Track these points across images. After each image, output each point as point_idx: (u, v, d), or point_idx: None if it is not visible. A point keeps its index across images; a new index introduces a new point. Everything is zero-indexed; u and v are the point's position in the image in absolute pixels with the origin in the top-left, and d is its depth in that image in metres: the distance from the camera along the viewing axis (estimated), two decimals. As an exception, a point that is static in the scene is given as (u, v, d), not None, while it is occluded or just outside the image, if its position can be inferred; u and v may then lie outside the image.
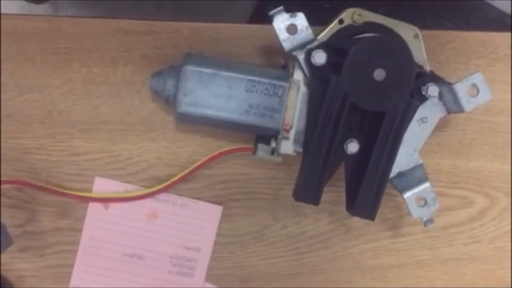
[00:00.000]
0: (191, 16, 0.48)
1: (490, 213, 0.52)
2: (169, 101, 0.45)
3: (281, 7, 0.42)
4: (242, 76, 0.44)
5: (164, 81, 0.44)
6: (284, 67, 0.47)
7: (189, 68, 0.44)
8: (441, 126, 0.49)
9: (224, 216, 0.50)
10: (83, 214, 0.48)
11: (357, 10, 0.44)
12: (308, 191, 0.43)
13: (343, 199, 0.44)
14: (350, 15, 0.44)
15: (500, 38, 0.51)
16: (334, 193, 0.49)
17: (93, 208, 0.48)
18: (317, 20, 0.44)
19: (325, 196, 0.47)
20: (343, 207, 0.44)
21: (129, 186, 0.48)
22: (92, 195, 0.48)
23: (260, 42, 0.49)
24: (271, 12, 0.42)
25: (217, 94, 0.44)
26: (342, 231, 0.51)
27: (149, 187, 0.48)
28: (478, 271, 0.53)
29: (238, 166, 0.49)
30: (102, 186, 0.48)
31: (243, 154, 0.48)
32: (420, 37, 0.44)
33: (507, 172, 0.52)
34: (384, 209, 0.51)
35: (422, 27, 0.45)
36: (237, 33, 0.49)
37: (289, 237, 0.51)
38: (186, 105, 0.44)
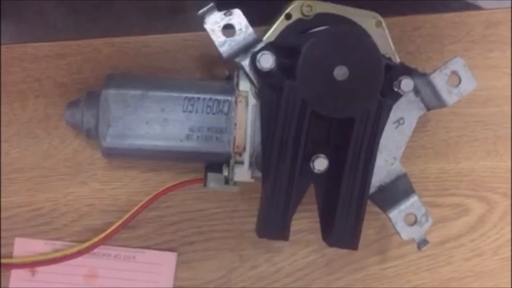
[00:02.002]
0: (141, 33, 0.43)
1: (490, 219, 0.47)
2: (91, 135, 0.39)
3: (211, 4, 0.35)
4: (176, 94, 0.38)
5: (81, 112, 0.38)
6: (230, 78, 0.41)
7: (110, 92, 0.37)
8: (421, 125, 0.45)
9: (181, 264, 0.44)
10: (5, 285, 0.43)
11: (306, 1, 0.39)
12: (273, 224, 0.37)
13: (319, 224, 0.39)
14: (298, 8, 0.39)
15: (475, 18, 0.47)
16: (308, 218, 0.45)
17: (17, 276, 0.42)
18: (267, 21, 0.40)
19: (298, 224, 0.44)
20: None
21: (58, 244, 0.43)
22: (14, 260, 0.42)
23: (197, 52, 0.44)
24: (200, 11, 0.35)
25: (149, 120, 0.38)
26: (323, 263, 0.46)
27: (83, 241, 0.42)
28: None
29: (189, 202, 0.44)
30: (24, 247, 0.42)
31: (194, 187, 0.43)
32: (384, 25, 0.40)
33: (504, 170, 0.47)
34: (368, 230, 0.46)
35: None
36: (169, 44, 0.44)
37: (261, 279, 0.45)
38: (112, 137, 0.37)
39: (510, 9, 0.47)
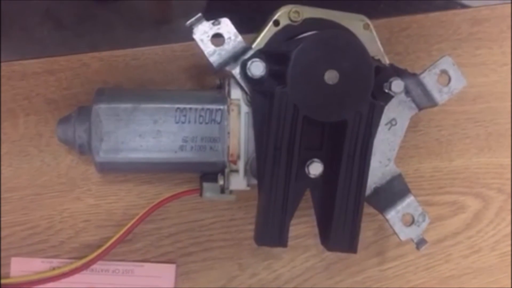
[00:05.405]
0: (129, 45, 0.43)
1: (486, 215, 0.47)
2: (83, 151, 0.38)
3: (199, 14, 0.35)
4: (168, 105, 0.37)
5: (73, 128, 0.38)
6: (221, 87, 0.41)
7: (101, 107, 0.37)
8: (412, 125, 0.45)
9: (180, 276, 0.44)
10: (3, 306, 0.42)
11: (293, 7, 0.39)
12: (271, 231, 0.37)
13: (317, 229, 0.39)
14: (286, 14, 0.39)
15: (461, 16, 0.47)
16: (306, 224, 0.45)
17: (15, 296, 0.42)
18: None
19: (296, 230, 0.44)
20: (319, 239, 0.39)
21: (55, 262, 0.42)
22: (11, 280, 0.41)
23: (187, 63, 0.44)
24: (188, 22, 0.35)
25: (142, 132, 0.37)
26: (322, 268, 0.46)
27: (81, 258, 0.42)
28: (484, 284, 0.48)
29: (186, 213, 0.44)
30: (21, 267, 0.42)
31: (189, 197, 0.43)
32: (371, 27, 0.40)
33: (497, 165, 0.47)
34: (365, 232, 0.46)
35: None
36: (157, 56, 0.44)
37: (261, 286, 0.45)
38: (105, 152, 0.37)
39: (494, 7, 0.47)
